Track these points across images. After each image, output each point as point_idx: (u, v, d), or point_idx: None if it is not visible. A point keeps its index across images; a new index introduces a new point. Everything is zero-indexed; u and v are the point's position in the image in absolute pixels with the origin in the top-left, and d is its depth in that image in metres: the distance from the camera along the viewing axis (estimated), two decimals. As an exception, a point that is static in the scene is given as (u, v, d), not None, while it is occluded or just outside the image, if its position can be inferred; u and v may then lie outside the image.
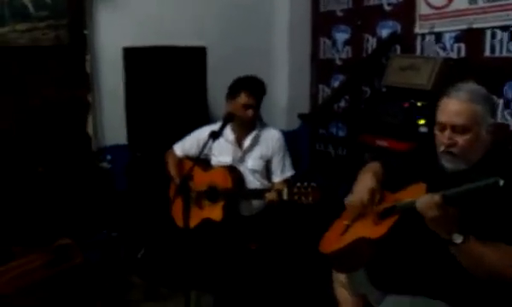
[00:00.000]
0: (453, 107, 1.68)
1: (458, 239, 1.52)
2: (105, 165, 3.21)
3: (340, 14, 3.84)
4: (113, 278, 3.01)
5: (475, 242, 1.53)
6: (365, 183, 1.93)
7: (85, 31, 3.22)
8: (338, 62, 3.91)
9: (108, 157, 3.25)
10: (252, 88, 2.66)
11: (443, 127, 1.71)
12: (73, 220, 3.09)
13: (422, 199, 1.56)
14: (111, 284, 2.96)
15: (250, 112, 2.65)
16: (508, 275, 1.52)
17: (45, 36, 3.10)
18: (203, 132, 2.68)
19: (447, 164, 1.71)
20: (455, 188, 1.52)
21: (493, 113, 1.71)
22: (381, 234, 1.70)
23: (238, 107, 2.64)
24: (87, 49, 3.23)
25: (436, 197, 1.52)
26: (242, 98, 2.64)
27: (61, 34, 3.14)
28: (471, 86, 1.71)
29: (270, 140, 2.74)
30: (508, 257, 1.51)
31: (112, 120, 3.35)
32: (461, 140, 1.66)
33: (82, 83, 3.25)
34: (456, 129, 1.67)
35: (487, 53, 2.82)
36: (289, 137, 2.87)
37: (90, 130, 3.30)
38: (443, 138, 1.70)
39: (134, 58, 3.16)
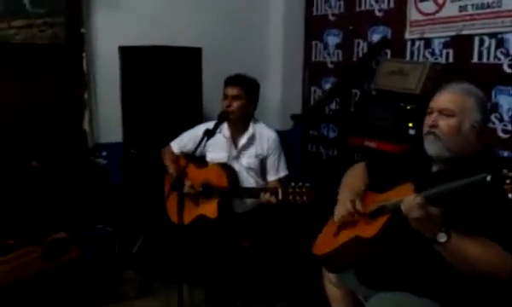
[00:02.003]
0: (445, 96, 1.74)
1: (442, 238, 1.55)
2: (101, 161, 3.24)
3: (332, 18, 3.89)
4: (107, 272, 3.04)
5: (460, 239, 1.54)
6: (345, 195, 1.97)
7: (82, 30, 3.23)
8: (329, 65, 3.95)
9: (104, 153, 3.28)
10: (234, 80, 2.70)
11: (430, 111, 1.77)
12: (69, 214, 3.11)
13: (405, 199, 1.57)
14: (105, 278, 2.99)
15: (234, 104, 2.66)
16: (490, 272, 1.55)
17: (42, 33, 3.10)
18: (200, 130, 2.65)
19: (428, 145, 1.75)
20: (437, 188, 1.54)
21: (483, 112, 1.73)
22: (375, 233, 1.72)
23: (224, 100, 2.68)
24: (84, 47, 3.25)
25: (418, 198, 1.54)
26: (226, 90, 2.69)
27: (58, 32, 3.15)
28: (465, 84, 1.77)
29: (266, 140, 2.74)
30: (492, 255, 1.53)
31: (108, 118, 3.38)
32: (443, 123, 1.71)
33: (78, 80, 3.27)
34: (442, 112, 1.72)
35: (475, 59, 2.87)
36: (282, 137, 2.91)
37: (86, 127, 3.33)
38: (428, 121, 1.76)
39: (130, 57, 3.19)
